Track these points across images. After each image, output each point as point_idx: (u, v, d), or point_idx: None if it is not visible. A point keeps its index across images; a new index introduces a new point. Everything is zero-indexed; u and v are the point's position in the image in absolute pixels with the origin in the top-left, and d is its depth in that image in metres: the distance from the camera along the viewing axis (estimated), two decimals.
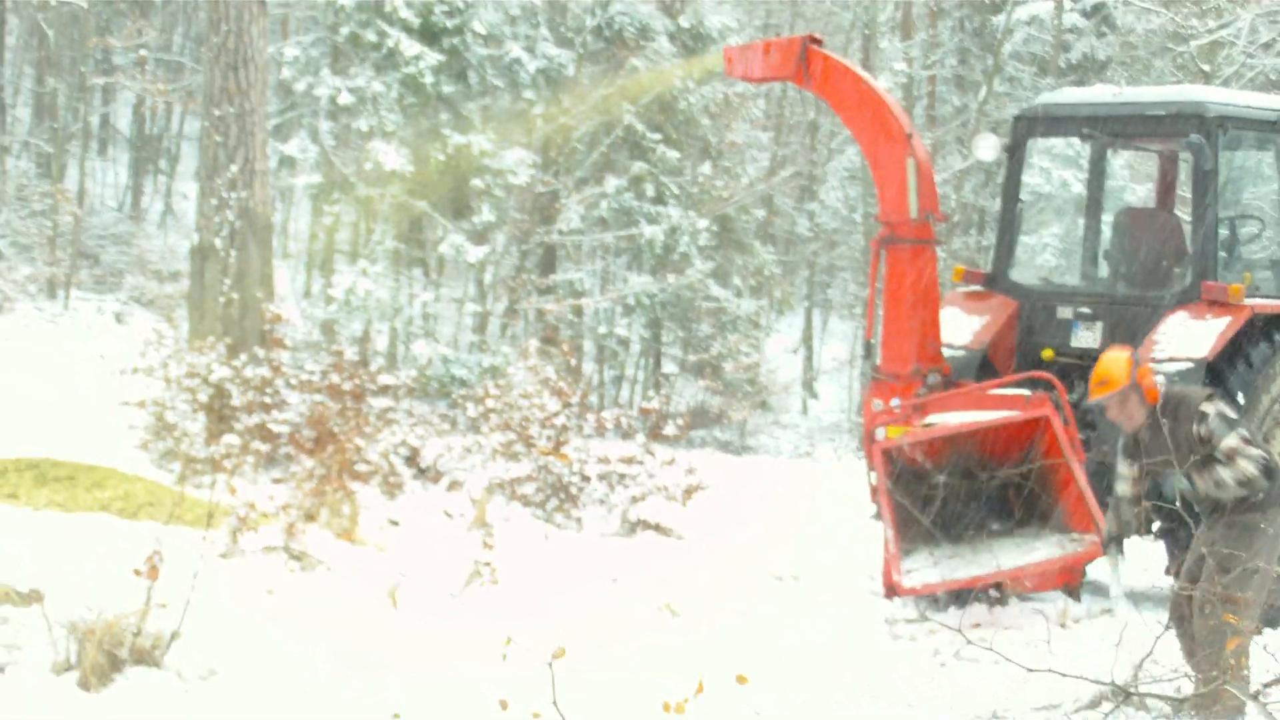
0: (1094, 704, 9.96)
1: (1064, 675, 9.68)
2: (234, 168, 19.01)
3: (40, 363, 23.58)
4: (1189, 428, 10.20)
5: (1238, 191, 17.73)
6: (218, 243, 19.00)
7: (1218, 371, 13.66)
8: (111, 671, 9.46)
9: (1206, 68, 30.96)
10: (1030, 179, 30.29)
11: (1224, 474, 10.13)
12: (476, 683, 10.12)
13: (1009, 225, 16.00)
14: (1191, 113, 14.59)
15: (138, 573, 9.73)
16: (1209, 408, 10.26)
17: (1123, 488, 10.76)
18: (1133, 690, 9.46)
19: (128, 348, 19.95)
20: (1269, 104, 15.44)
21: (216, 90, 19.17)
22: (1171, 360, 13.53)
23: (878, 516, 14.15)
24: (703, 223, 30.23)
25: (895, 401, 14.59)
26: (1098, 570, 12.78)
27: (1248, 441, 10.16)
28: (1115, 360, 10.43)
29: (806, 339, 42.38)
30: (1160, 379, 10.97)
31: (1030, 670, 9.72)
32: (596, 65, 30.74)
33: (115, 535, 11.89)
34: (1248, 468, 10.07)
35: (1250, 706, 9.47)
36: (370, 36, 27.17)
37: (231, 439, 16.16)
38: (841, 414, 39.07)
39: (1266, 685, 9.61)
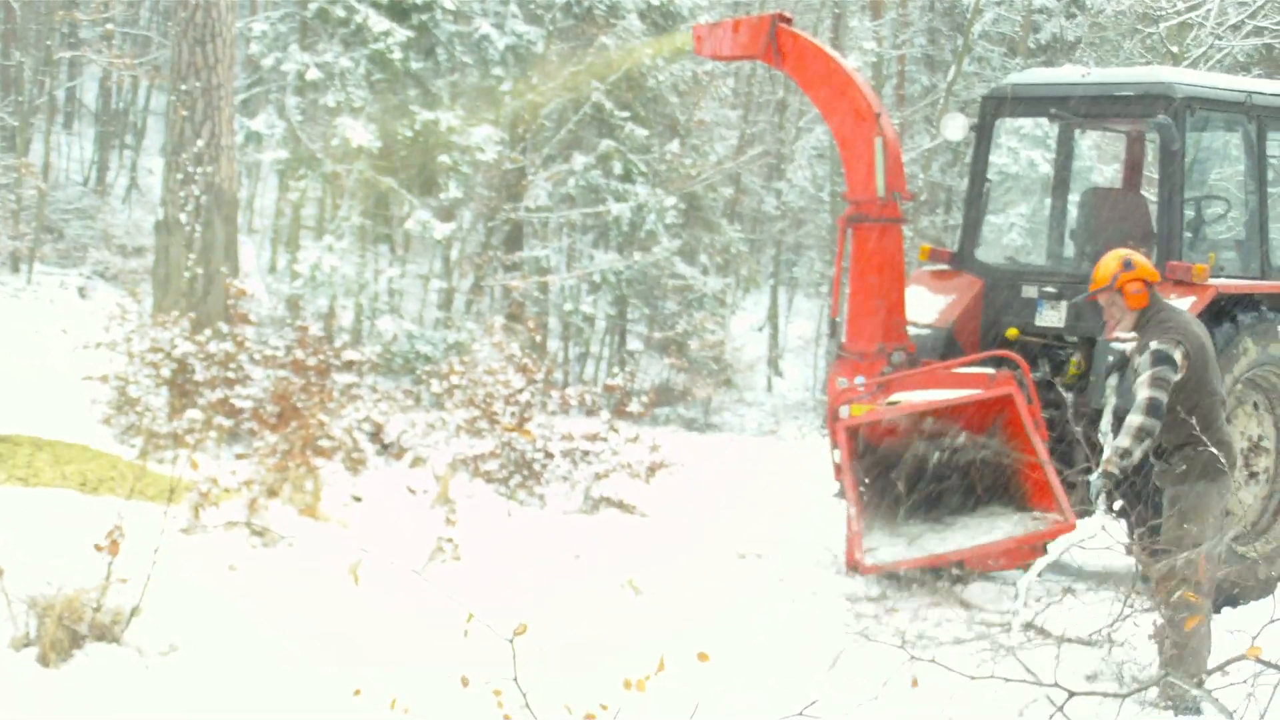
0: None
1: (1007, 680, 9.69)
2: (200, 143, 18.97)
3: (2, 337, 23.50)
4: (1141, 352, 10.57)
5: (1204, 172, 17.76)
6: (183, 218, 18.96)
7: None
8: (71, 647, 9.43)
9: (1175, 49, 30.98)
10: (998, 159, 30.38)
11: (1121, 440, 10.43)
12: (438, 659, 10.11)
13: (976, 204, 16.02)
14: (1159, 94, 14.61)
15: (98, 548, 9.70)
16: (1154, 342, 10.51)
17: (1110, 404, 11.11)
18: (1074, 691, 9.47)
19: (91, 322, 19.93)
20: (1236, 85, 15.47)
21: (183, 65, 19.11)
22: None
23: (841, 494, 14.16)
24: (670, 200, 30.18)
25: (860, 379, 14.60)
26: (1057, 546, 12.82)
27: (1153, 383, 10.37)
28: (1108, 261, 10.86)
29: (772, 317, 42.39)
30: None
31: (973, 678, 9.73)
32: (566, 43, 30.67)
33: (76, 510, 11.85)
34: (1131, 421, 10.37)
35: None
36: (339, 12, 27.05)
37: (194, 414, 16.11)
38: (806, 392, 39.09)
39: (1210, 671, 9.63)
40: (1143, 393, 10.38)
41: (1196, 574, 10.39)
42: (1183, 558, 10.30)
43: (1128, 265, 10.79)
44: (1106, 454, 10.59)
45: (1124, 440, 10.36)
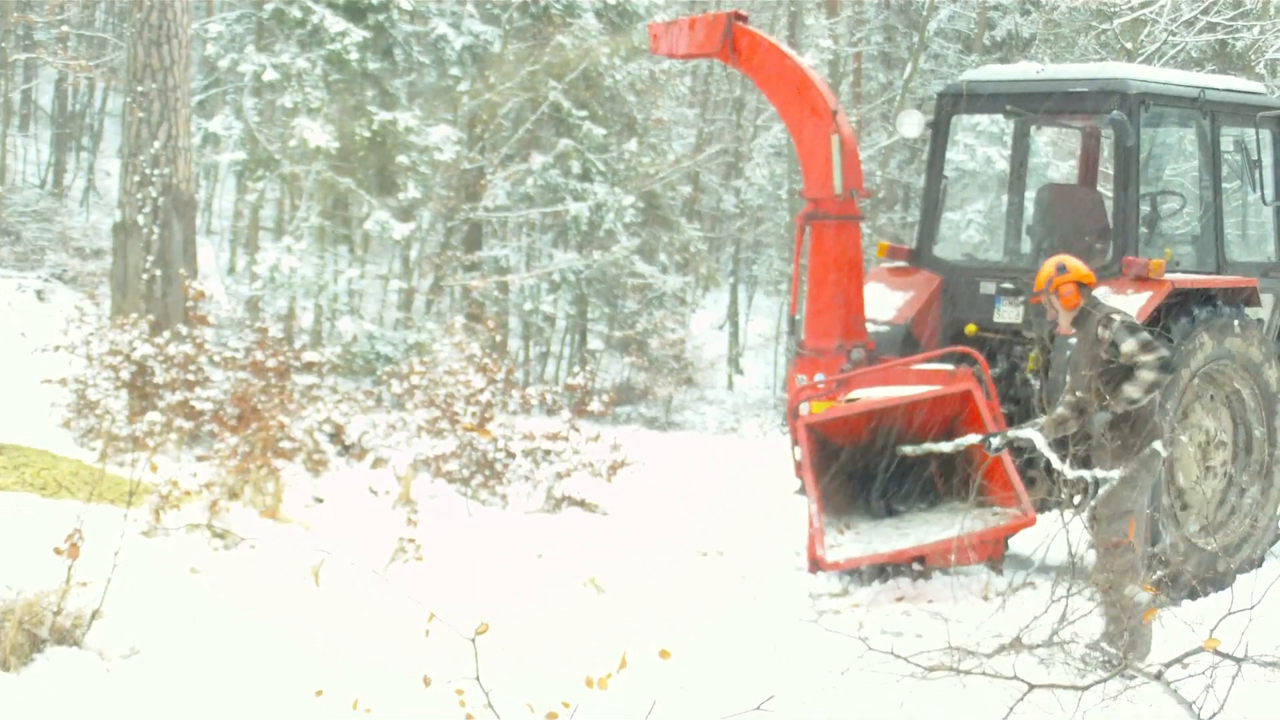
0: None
1: (958, 672, 9.78)
2: (157, 144, 18.92)
3: None
4: (1096, 331, 11.27)
5: (1159, 168, 17.87)
6: (140, 219, 18.91)
7: None
8: (31, 651, 9.42)
9: (1129, 45, 31.12)
10: (954, 155, 30.48)
11: (1129, 390, 11.11)
12: (400, 659, 10.13)
13: (933, 201, 16.06)
14: (1113, 89, 14.68)
15: (58, 551, 9.69)
16: (1115, 315, 11.31)
17: (1063, 401, 11.78)
18: (1033, 683, 9.58)
19: (49, 325, 19.85)
20: (1190, 81, 15.56)
21: (139, 66, 19.06)
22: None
23: (802, 491, 14.19)
24: (628, 199, 30.21)
25: (819, 377, 14.63)
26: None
27: (1146, 346, 11.11)
28: (1045, 266, 11.66)
29: (732, 315, 42.44)
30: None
31: (930, 669, 9.83)
32: (523, 42, 30.68)
33: (35, 514, 11.82)
34: (1147, 375, 11.07)
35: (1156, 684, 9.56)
36: (295, 13, 27.01)
37: (154, 416, 16.07)
38: (767, 390, 39.16)
39: (1167, 664, 9.70)
40: (1151, 356, 11.09)
41: (1127, 536, 11.11)
42: (1118, 521, 11.12)
43: (1060, 270, 11.55)
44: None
45: (1134, 392, 11.12)
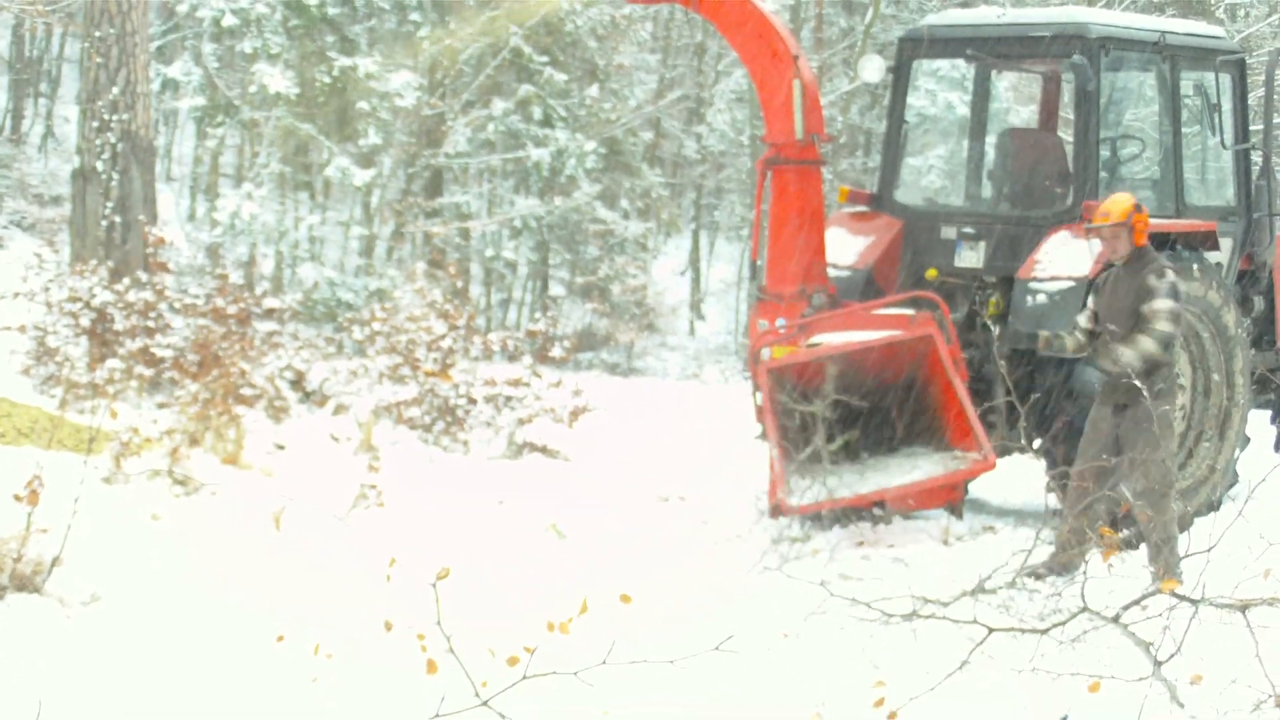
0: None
1: (926, 617, 9.82)
2: (115, 90, 18.81)
3: None
4: (1145, 279, 11.67)
5: (1119, 112, 17.83)
6: (99, 166, 18.81)
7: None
8: None
9: None
10: (915, 101, 30.32)
11: (1137, 344, 11.61)
12: (361, 605, 10.12)
13: (894, 146, 16.04)
14: (1074, 34, 14.67)
15: (18, 498, 9.66)
16: (1169, 270, 11.78)
17: (1080, 319, 12.28)
18: (993, 627, 9.65)
19: (8, 272, 19.76)
20: (1150, 25, 15.56)
21: (97, 11, 18.92)
22: (1053, 278, 13.65)
23: (763, 437, 14.21)
24: (590, 145, 30.15)
25: (780, 322, 14.62)
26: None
27: (1172, 317, 11.59)
28: (1119, 200, 11.97)
29: (694, 261, 42.41)
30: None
31: (889, 616, 9.87)
32: None
33: None
34: (1147, 344, 11.58)
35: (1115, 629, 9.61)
36: None
37: (114, 363, 16.02)
38: (728, 335, 39.17)
39: (1125, 607, 9.74)
40: (1167, 328, 11.62)
41: (1170, 483, 11.67)
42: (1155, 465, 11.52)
43: (1139, 208, 11.87)
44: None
45: (1130, 358, 11.62)
